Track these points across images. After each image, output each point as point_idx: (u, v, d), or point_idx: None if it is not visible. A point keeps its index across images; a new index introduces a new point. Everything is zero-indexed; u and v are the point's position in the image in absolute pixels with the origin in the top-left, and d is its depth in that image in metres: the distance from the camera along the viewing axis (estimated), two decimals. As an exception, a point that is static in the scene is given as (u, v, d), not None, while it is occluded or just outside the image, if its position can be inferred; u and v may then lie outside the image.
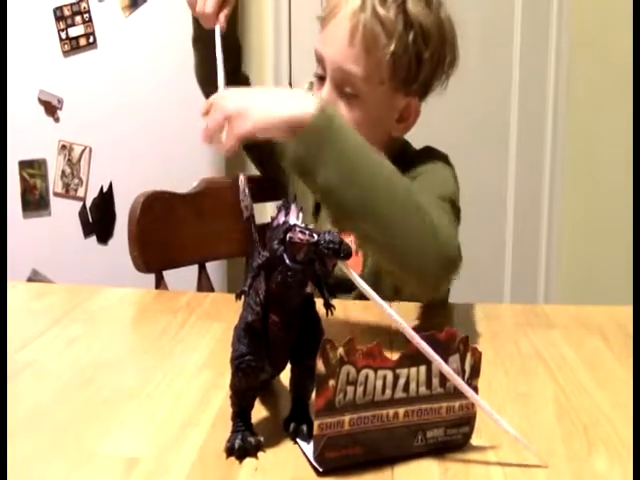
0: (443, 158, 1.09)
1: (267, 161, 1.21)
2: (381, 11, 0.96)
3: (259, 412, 0.65)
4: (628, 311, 0.94)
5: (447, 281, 0.84)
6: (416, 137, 1.13)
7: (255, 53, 2.29)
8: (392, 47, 0.96)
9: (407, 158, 1.08)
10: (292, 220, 0.57)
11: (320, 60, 1.03)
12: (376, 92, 1.00)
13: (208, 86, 1.11)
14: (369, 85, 1.00)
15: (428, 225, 0.79)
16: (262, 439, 0.59)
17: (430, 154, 1.10)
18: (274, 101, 0.82)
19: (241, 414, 0.60)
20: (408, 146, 1.13)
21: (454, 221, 0.91)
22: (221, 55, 0.99)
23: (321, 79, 1.03)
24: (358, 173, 0.79)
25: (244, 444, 0.58)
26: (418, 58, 0.99)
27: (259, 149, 1.18)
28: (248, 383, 0.59)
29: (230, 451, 0.58)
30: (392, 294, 0.90)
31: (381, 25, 0.96)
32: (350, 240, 0.69)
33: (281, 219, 0.58)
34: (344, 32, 0.98)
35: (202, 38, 1.09)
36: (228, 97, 0.84)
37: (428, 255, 0.79)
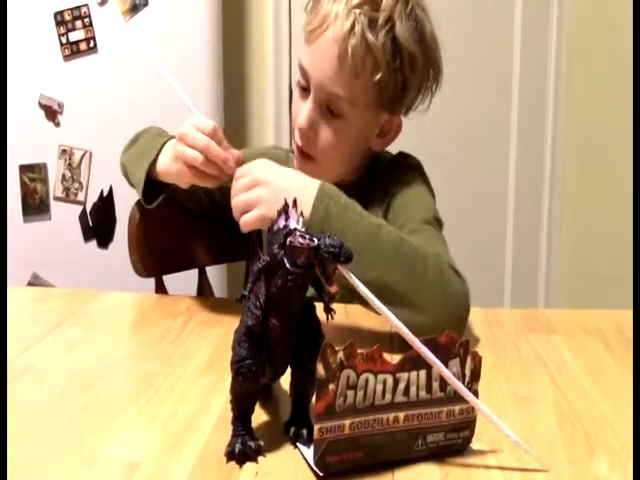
0: (416, 168, 1.09)
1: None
2: (370, 38, 0.95)
3: (259, 416, 0.65)
4: (628, 315, 0.94)
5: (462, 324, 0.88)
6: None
7: (256, 54, 2.29)
8: (379, 74, 0.96)
9: (381, 166, 1.08)
10: (292, 224, 0.57)
11: (304, 73, 1.01)
12: (360, 113, 1.00)
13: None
14: (354, 107, 0.99)
15: (438, 287, 0.84)
16: (262, 443, 0.59)
17: (403, 164, 1.10)
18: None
19: (241, 418, 0.60)
20: (383, 152, 1.12)
21: (444, 243, 0.95)
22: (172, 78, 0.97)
23: (304, 89, 1.02)
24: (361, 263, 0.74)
25: (244, 448, 0.58)
26: (404, 83, 0.99)
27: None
28: (248, 387, 0.59)
29: (230, 455, 0.58)
30: None
31: (369, 53, 0.95)
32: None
33: (281, 223, 0.58)
34: (331, 56, 0.96)
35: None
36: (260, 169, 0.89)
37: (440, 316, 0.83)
